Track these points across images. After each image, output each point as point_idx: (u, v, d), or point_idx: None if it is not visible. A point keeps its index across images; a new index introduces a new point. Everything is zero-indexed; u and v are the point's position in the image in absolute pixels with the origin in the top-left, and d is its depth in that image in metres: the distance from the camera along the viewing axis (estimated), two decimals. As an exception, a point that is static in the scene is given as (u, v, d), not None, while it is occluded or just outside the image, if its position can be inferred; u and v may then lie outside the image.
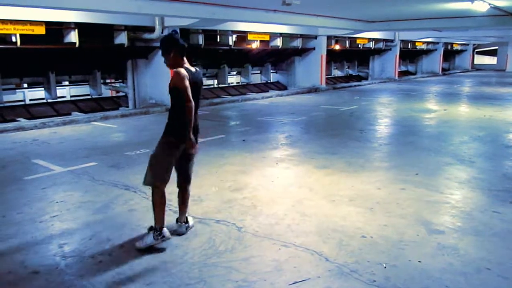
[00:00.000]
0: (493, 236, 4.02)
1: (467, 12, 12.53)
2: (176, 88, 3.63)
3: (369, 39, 22.62)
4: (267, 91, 17.54)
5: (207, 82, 17.17)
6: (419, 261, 3.52)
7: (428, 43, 28.73)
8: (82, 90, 14.07)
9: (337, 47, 20.97)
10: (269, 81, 19.50)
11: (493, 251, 3.72)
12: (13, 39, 9.91)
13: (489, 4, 10.46)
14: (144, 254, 3.66)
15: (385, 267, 3.42)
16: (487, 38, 29.43)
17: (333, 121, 10.95)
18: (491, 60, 38.40)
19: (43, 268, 3.46)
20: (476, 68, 37.53)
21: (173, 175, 3.90)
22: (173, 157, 3.80)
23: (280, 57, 18.88)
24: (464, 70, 35.21)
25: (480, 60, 38.82)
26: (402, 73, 28.08)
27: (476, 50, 38.30)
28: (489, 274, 3.35)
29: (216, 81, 17.39)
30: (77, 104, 12.91)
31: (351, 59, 24.88)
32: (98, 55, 12.24)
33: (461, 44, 34.63)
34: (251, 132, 8.98)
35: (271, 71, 19.69)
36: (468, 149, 7.52)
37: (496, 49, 37.47)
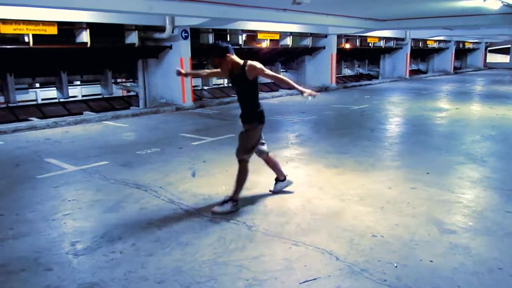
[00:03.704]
0: (505, 236, 3.98)
1: (479, 10, 12.41)
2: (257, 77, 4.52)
3: (380, 38, 22.48)
4: (277, 90, 17.50)
5: (217, 81, 17.22)
6: (431, 261, 3.50)
7: (439, 41, 28.46)
8: (93, 90, 14.18)
9: (348, 46, 20.88)
10: (279, 80, 19.44)
11: (505, 251, 3.69)
12: (26, 39, 10.03)
13: (502, 1, 10.34)
14: (156, 252, 3.69)
15: (396, 267, 3.41)
16: (499, 36, 29.05)
17: (344, 120, 10.91)
18: (504, 59, 37.89)
19: (56, 266, 3.51)
20: (489, 66, 37.07)
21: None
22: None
23: (290, 56, 18.84)
24: (476, 69, 34.82)
25: (492, 58, 38.32)
26: (413, 72, 27.85)
27: (489, 48, 37.83)
28: (501, 274, 3.32)
29: (226, 81, 17.41)
30: (88, 104, 13.03)
31: (361, 58, 24.73)
32: (109, 55, 12.33)
33: (473, 43, 34.24)
34: (261, 131, 8.97)
35: (281, 70, 19.64)
36: (480, 148, 7.44)
37: (509, 48, 36.97)
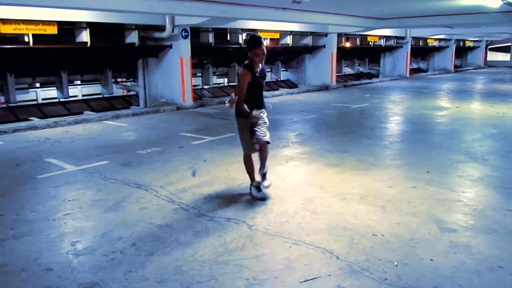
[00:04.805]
0: (506, 235, 3.97)
1: (479, 8, 12.39)
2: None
3: (380, 37, 22.46)
4: (277, 89, 17.51)
5: (217, 80, 17.22)
6: (431, 260, 3.50)
7: (440, 40, 28.44)
8: (93, 89, 14.18)
9: (348, 44, 20.86)
10: (279, 79, 19.47)
11: (506, 249, 3.68)
12: (26, 39, 10.03)
13: (502, 0, 10.33)
14: (156, 251, 3.69)
15: (397, 265, 3.41)
16: (500, 34, 29.04)
17: (344, 119, 10.90)
18: (504, 57, 37.87)
19: (56, 266, 3.51)
20: (489, 65, 37.03)
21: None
22: None
23: (290, 55, 18.82)
24: (476, 67, 34.80)
25: (493, 56, 38.29)
26: (414, 71, 27.84)
27: (489, 46, 37.80)
28: (502, 273, 3.31)
29: (226, 80, 17.43)
30: (88, 103, 13.03)
31: (362, 57, 24.71)
32: (109, 55, 12.33)
33: (474, 41, 34.21)
34: (261, 131, 8.96)
35: (281, 69, 19.65)
36: (481, 147, 7.44)
37: (509, 46, 36.94)
